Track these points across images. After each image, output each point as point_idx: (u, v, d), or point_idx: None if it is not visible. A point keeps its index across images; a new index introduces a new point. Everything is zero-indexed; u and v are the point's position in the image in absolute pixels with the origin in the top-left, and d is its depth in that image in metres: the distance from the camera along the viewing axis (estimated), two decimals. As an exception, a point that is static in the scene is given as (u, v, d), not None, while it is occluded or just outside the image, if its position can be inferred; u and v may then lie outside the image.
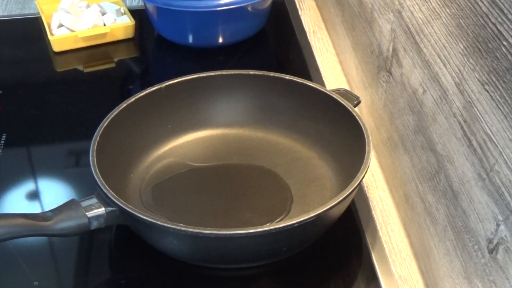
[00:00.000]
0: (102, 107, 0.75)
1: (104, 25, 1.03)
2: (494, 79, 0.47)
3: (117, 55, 1.03)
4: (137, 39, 1.04)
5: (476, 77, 0.50)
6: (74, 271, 0.67)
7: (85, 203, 0.62)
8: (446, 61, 0.56)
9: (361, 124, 0.71)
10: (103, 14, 1.04)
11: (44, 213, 0.61)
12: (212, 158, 0.78)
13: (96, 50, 1.02)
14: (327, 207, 0.61)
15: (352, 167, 0.67)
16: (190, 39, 1.01)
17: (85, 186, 0.74)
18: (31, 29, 1.07)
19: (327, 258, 0.68)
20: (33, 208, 0.74)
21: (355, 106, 0.75)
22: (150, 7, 1.01)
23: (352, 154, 0.71)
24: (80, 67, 1.00)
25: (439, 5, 0.57)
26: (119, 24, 1.03)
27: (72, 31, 1.01)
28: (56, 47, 1.00)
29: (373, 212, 0.74)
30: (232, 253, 0.63)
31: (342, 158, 0.75)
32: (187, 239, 0.61)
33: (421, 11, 0.62)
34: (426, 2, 0.60)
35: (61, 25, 1.02)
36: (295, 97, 0.79)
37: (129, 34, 1.03)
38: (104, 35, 1.01)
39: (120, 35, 1.03)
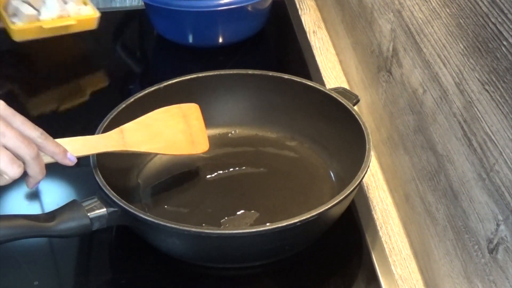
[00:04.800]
0: (101, 107, 0.75)
1: (69, 15, 0.98)
2: (494, 79, 0.47)
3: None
4: (98, 30, 1.00)
5: (476, 77, 0.50)
6: (74, 271, 0.67)
7: (86, 204, 0.62)
8: (446, 61, 0.56)
9: (361, 123, 0.71)
10: (65, 3, 1.00)
11: (45, 214, 0.61)
12: (212, 158, 0.78)
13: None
14: (328, 206, 0.61)
15: (352, 166, 0.67)
16: (190, 39, 1.01)
17: (86, 187, 0.74)
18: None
19: (327, 258, 0.68)
20: (35, 209, 0.74)
21: (354, 105, 0.75)
22: (150, 7, 1.01)
23: (352, 154, 0.71)
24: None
25: (439, 5, 0.57)
26: (84, 16, 0.99)
27: (38, 19, 0.96)
28: (17, 36, 0.95)
29: (373, 212, 0.74)
30: (234, 253, 0.63)
31: (342, 157, 0.75)
32: (190, 239, 0.61)
33: (421, 11, 0.62)
34: (426, 2, 0.60)
35: (14, 15, 0.96)
36: (294, 96, 0.79)
37: (92, 25, 0.99)
38: (68, 26, 0.97)
39: (84, 26, 0.98)
